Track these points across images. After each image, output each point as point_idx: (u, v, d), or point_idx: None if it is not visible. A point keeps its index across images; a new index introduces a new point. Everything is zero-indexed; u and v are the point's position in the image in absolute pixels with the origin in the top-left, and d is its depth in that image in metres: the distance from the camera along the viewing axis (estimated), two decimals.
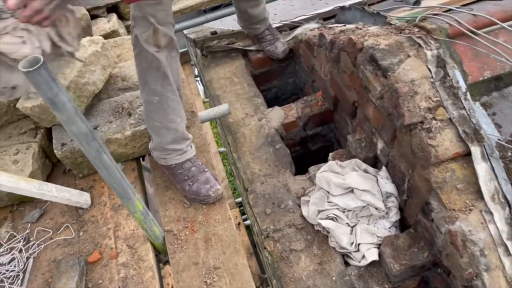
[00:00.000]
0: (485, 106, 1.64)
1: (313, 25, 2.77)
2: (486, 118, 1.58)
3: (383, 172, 1.83)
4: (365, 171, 1.86)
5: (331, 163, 1.91)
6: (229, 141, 2.30)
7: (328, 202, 1.82)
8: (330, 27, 2.41)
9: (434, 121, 1.53)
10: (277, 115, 2.37)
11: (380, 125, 1.77)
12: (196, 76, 4.34)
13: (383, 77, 1.66)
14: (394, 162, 1.74)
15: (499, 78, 1.68)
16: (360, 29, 1.99)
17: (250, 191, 2.05)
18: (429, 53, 1.57)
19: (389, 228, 1.76)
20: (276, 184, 2.06)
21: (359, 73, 1.81)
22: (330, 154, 2.07)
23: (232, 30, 2.95)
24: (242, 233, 3.79)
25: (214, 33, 2.96)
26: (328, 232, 1.77)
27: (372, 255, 1.70)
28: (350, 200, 1.77)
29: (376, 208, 1.74)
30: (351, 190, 1.79)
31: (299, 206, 1.94)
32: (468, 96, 1.54)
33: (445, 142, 1.50)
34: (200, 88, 4.22)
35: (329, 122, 2.43)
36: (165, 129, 1.75)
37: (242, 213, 3.82)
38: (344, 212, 1.79)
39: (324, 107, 2.34)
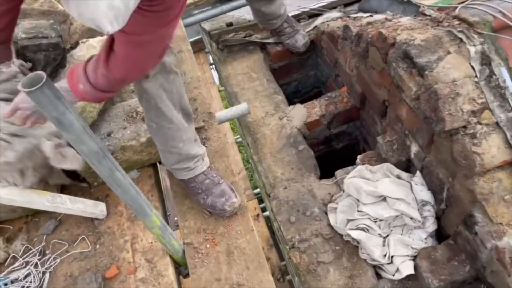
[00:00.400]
0: None
1: (335, 14, 2.60)
2: None
3: (418, 178, 1.68)
4: (398, 177, 1.72)
5: (361, 168, 1.78)
6: (248, 142, 2.18)
7: (358, 211, 1.69)
8: (354, 17, 2.25)
9: (479, 126, 1.37)
10: (299, 114, 2.23)
11: (415, 128, 1.63)
12: (211, 64, 4.20)
13: (419, 76, 1.51)
14: (430, 168, 1.60)
15: None
16: (390, 20, 1.82)
17: (272, 197, 1.93)
18: (472, 49, 1.40)
19: (425, 239, 1.63)
20: (300, 189, 1.93)
21: (390, 71, 1.66)
22: (358, 157, 1.93)
23: (249, 21, 2.80)
24: (261, 225, 3.68)
25: (229, 24, 2.82)
26: (358, 243, 1.65)
27: (408, 268, 1.57)
28: (383, 210, 1.64)
29: (411, 218, 1.61)
30: (384, 199, 1.65)
31: (326, 213, 1.82)
32: None
33: (492, 149, 1.35)
34: (215, 75, 4.08)
35: (354, 119, 2.28)
36: (167, 153, 1.65)
37: (260, 200, 3.70)
38: (375, 222, 1.66)
39: (349, 104, 2.19)
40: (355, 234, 1.64)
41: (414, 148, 1.70)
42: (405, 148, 1.77)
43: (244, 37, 2.68)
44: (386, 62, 1.69)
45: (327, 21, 2.55)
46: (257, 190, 3.68)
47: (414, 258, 1.60)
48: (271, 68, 2.66)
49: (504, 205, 1.35)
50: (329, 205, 1.82)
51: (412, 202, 1.62)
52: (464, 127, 1.38)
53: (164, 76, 1.45)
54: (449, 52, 1.44)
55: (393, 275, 1.60)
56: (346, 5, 2.96)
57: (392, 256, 1.61)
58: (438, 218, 1.66)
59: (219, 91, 4.08)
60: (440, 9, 2.16)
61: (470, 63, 1.41)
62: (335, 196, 1.85)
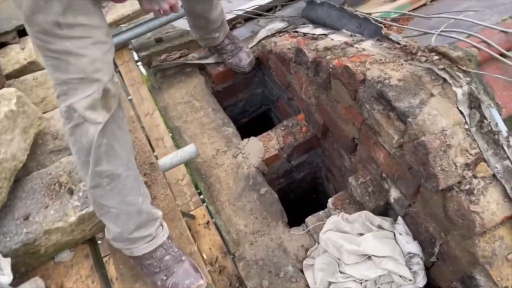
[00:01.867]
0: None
1: (278, 24, 2.33)
2: None
3: (401, 226, 1.50)
4: (380, 227, 1.53)
5: (336, 220, 1.56)
6: (201, 189, 1.89)
7: (340, 272, 1.48)
8: (304, 34, 2.00)
9: (475, 180, 1.20)
10: (255, 149, 1.97)
11: (396, 175, 1.43)
12: (136, 61, 3.75)
13: (399, 121, 1.30)
14: (417, 219, 1.42)
15: None
16: (351, 45, 1.59)
17: (238, 258, 1.67)
18: (459, 91, 1.21)
19: None
20: (269, 244, 1.69)
21: (363, 112, 1.44)
22: (330, 201, 1.71)
23: (181, 34, 2.45)
24: (212, 232, 3.41)
25: (159, 39, 2.45)
26: None
27: None
28: (368, 270, 1.44)
29: (400, 276, 1.43)
30: (368, 257, 1.46)
31: (301, 271, 1.60)
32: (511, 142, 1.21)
33: (491, 205, 1.18)
34: (144, 72, 3.67)
35: (315, 148, 2.06)
36: (125, 215, 1.32)
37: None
38: (361, 283, 1.47)
39: (309, 133, 1.96)
40: None
41: (395, 194, 1.51)
42: (382, 191, 1.57)
43: (179, 57, 2.34)
44: (355, 99, 1.47)
45: (271, 34, 2.28)
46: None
47: None
48: (214, 90, 2.36)
49: (508, 265, 1.20)
50: (305, 261, 1.60)
51: (399, 257, 1.44)
52: (459, 182, 1.20)
53: (117, 111, 1.21)
54: (432, 95, 1.24)
55: None
56: (283, 6, 2.74)
57: None
58: (426, 268, 1.50)
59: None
60: (394, 20, 1.98)
61: (457, 107, 1.22)
62: (310, 250, 1.62)
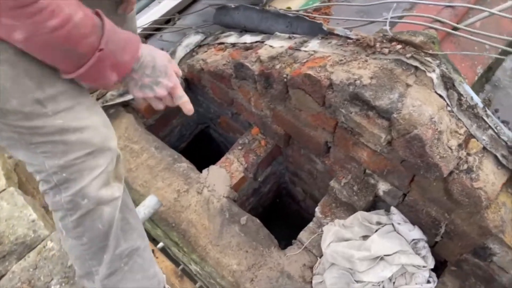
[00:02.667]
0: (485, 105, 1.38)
1: (195, 38, 2.16)
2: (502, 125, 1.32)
3: (397, 215, 1.49)
4: (378, 223, 1.50)
5: (335, 230, 1.50)
6: (176, 241, 1.70)
7: (356, 281, 1.43)
8: (233, 44, 1.87)
9: (470, 158, 1.21)
10: (218, 178, 1.81)
11: (385, 170, 1.40)
12: None
13: (381, 118, 1.26)
14: (416, 207, 1.42)
15: (488, 69, 1.43)
16: (298, 50, 1.51)
17: None
18: (433, 75, 1.20)
19: (429, 277, 1.47)
20: (271, 275, 1.58)
21: (337, 117, 1.37)
22: (317, 210, 1.65)
23: None
24: (161, 259, 3.17)
25: None
26: None
27: None
28: (383, 270, 1.41)
29: (414, 265, 1.42)
30: (380, 258, 1.42)
31: None
32: (488, 111, 1.24)
33: (489, 177, 1.21)
34: None
35: (277, 158, 1.98)
36: None
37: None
38: (379, 285, 1.43)
39: (269, 146, 1.86)
40: None
41: (384, 187, 1.49)
42: (369, 186, 1.55)
43: (97, 99, 2.06)
44: (323, 105, 1.40)
45: (191, 50, 2.11)
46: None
47: None
48: (146, 125, 2.13)
49: None
50: (314, 281, 1.53)
51: (408, 248, 1.43)
52: (457, 164, 1.20)
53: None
54: (408, 85, 1.21)
55: None
56: (180, 12, 2.59)
57: None
58: (429, 247, 1.52)
59: None
60: (316, 9, 1.94)
61: (436, 92, 1.21)
62: (315, 268, 1.55)
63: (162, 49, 2.44)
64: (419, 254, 1.46)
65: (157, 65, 0.88)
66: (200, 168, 1.87)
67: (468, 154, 1.21)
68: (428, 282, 1.46)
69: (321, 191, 1.91)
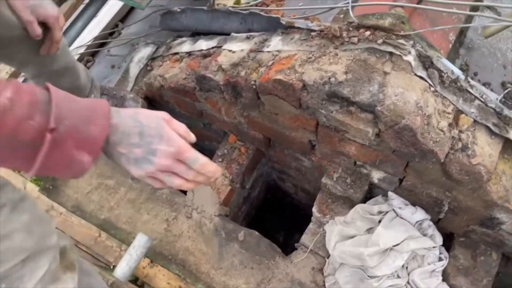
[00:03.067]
0: (463, 71, 1.32)
1: (145, 51, 2.01)
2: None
3: (396, 200, 1.45)
4: (380, 212, 1.45)
5: (338, 229, 1.45)
6: (177, 273, 1.61)
7: (369, 277, 1.39)
8: (189, 54, 1.74)
9: (463, 135, 1.16)
10: (205, 196, 1.72)
11: (377, 161, 1.34)
12: None
13: (364, 112, 1.18)
14: (415, 190, 1.37)
15: (460, 33, 1.36)
16: (260, 51, 1.40)
17: None
18: (410, 58, 1.12)
19: (440, 254, 1.44)
20: (282, 287, 1.52)
21: (318, 117, 1.29)
22: (314, 209, 1.58)
23: None
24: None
25: None
26: None
27: None
28: (396, 260, 1.37)
29: (424, 248, 1.39)
30: (390, 248, 1.38)
31: None
32: (472, 81, 1.18)
33: (485, 149, 1.16)
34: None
35: (260, 160, 1.89)
36: None
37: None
38: (393, 275, 1.40)
39: (250, 151, 1.77)
40: None
41: (378, 175, 1.43)
42: (362, 177, 1.49)
43: None
44: (300, 107, 1.31)
45: (144, 66, 1.97)
46: None
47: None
48: None
49: None
50: (327, 284, 1.48)
51: (415, 232, 1.39)
52: (451, 144, 1.15)
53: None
54: (386, 73, 1.13)
55: None
56: (122, 21, 2.43)
57: None
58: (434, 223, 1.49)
59: None
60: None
61: (415, 74, 1.14)
62: (324, 270, 1.50)
63: (113, 66, 2.29)
64: (425, 235, 1.43)
65: (144, 130, 0.66)
66: None
67: (461, 132, 1.16)
68: (440, 259, 1.43)
69: (312, 184, 1.85)
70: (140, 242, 1.55)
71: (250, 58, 1.41)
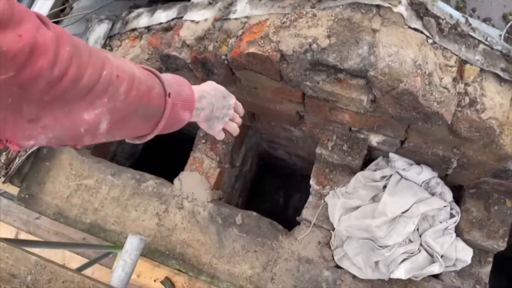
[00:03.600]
0: (460, 9, 1.15)
1: (100, 29, 1.80)
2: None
3: (399, 161, 1.33)
4: (383, 177, 1.34)
5: (342, 202, 1.34)
6: (179, 268, 1.52)
7: (380, 247, 1.31)
8: (148, 29, 1.54)
9: (469, 88, 1.01)
10: (194, 183, 1.60)
11: (374, 126, 1.20)
12: None
13: (356, 78, 1.03)
14: (420, 150, 1.24)
15: None
16: (227, 19, 1.21)
17: None
18: (401, 8, 0.95)
19: (451, 210, 1.36)
20: (289, 266, 1.45)
21: (303, 89, 1.13)
22: (312, 181, 1.47)
23: None
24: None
25: None
26: (416, 277, 1.31)
27: (466, 253, 1.31)
28: (406, 226, 1.28)
29: (435, 209, 1.30)
30: (400, 215, 1.28)
31: (338, 267, 1.41)
32: (473, 22, 1.02)
33: (495, 100, 1.03)
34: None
35: (246, 134, 1.75)
36: None
37: None
38: (405, 241, 1.32)
39: None
40: (402, 273, 1.28)
41: (377, 138, 1.30)
42: (359, 142, 1.36)
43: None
44: (282, 80, 1.15)
45: (102, 47, 1.76)
46: None
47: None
48: (90, 150, 1.84)
49: None
50: (336, 257, 1.40)
51: (423, 193, 1.29)
52: (458, 101, 1.01)
53: None
54: (375, 31, 0.96)
55: (454, 266, 1.34)
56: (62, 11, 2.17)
57: (442, 256, 1.32)
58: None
59: None
60: None
61: (409, 27, 0.97)
62: (331, 243, 1.42)
63: None
64: (434, 193, 1.33)
65: (223, 93, 0.89)
66: (173, 170, 1.65)
67: (467, 85, 1.01)
68: (452, 215, 1.35)
69: (306, 150, 1.72)
70: (132, 245, 1.44)
71: (216, 28, 1.22)
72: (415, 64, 0.94)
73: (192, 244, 1.54)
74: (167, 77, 0.71)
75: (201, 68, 1.29)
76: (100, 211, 1.64)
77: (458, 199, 1.41)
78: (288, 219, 2.41)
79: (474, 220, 1.34)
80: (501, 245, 1.29)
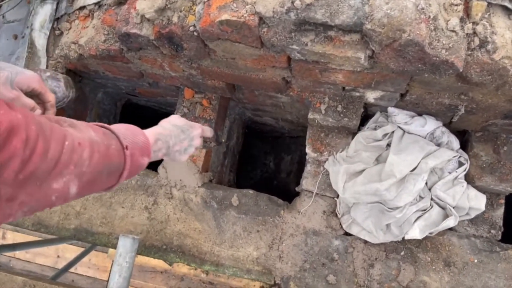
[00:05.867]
0: None
1: (45, 10, 1.58)
2: None
3: (400, 115, 1.22)
4: (385, 135, 1.24)
5: (344, 168, 1.23)
6: (178, 260, 1.43)
7: (390, 209, 1.23)
8: (98, 5, 1.34)
9: (478, 27, 0.89)
10: (180, 169, 1.47)
11: (372, 83, 1.07)
12: None
13: (349, 34, 0.89)
14: (423, 101, 1.13)
15: None
16: None
17: (284, 282, 1.35)
18: None
19: (459, 158, 1.27)
20: (296, 241, 1.37)
21: (289, 54, 0.99)
22: (308, 149, 1.36)
23: None
24: None
25: None
26: (431, 233, 1.25)
27: (479, 200, 1.25)
28: (415, 185, 1.20)
29: (446, 160, 1.21)
30: (409, 173, 1.19)
31: (348, 234, 1.33)
32: None
33: (506, 36, 0.91)
34: None
35: (228, 106, 1.60)
36: None
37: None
38: (416, 199, 1.24)
39: (214, 101, 1.47)
40: (416, 233, 1.21)
41: (374, 94, 1.18)
42: (354, 101, 1.24)
43: None
44: (263, 46, 1.00)
45: (50, 31, 1.55)
46: None
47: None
48: None
49: None
50: (344, 225, 1.32)
51: (430, 146, 1.20)
52: (467, 44, 0.89)
53: None
54: None
55: (468, 214, 1.28)
56: None
57: (454, 207, 1.25)
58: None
59: None
60: None
61: None
62: (338, 210, 1.33)
63: (16, 36, 1.84)
64: (440, 144, 1.24)
65: (183, 127, 0.92)
66: None
67: (475, 23, 0.89)
68: (460, 164, 1.26)
69: (294, 114, 1.60)
70: (125, 247, 1.33)
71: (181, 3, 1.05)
72: (418, 9, 0.81)
73: (190, 234, 1.44)
74: (121, 129, 0.74)
75: (168, 44, 1.12)
76: (84, 214, 1.51)
77: (464, 145, 1.32)
78: (282, 184, 2.33)
79: (484, 165, 1.26)
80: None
